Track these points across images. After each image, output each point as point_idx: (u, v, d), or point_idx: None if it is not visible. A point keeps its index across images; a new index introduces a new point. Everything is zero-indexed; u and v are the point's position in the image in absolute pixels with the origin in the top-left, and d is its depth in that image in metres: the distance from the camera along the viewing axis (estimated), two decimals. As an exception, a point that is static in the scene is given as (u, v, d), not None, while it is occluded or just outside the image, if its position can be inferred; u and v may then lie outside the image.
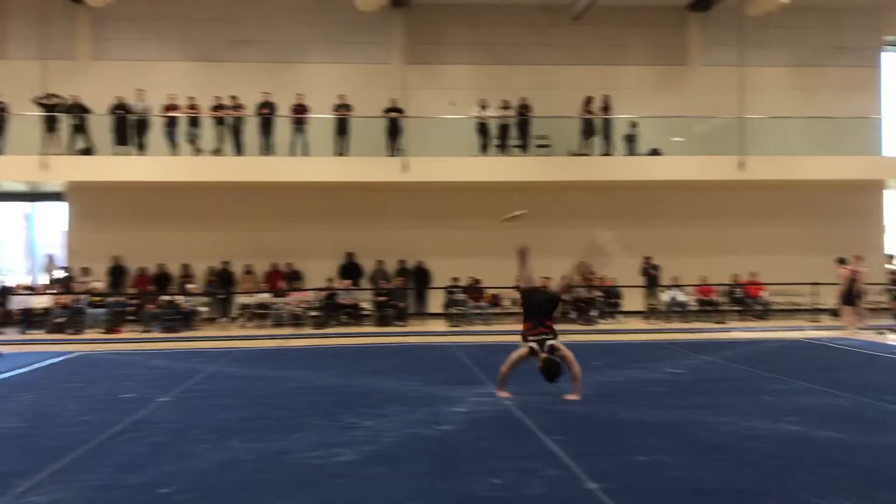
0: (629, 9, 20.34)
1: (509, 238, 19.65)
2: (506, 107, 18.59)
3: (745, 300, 18.69)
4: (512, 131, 18.81)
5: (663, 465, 5.52)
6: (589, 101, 18.85)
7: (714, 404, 7.76)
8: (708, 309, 18.49)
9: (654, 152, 19.33)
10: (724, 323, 17.73)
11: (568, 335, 15.16)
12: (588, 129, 18.93)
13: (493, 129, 18.76)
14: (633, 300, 18.51)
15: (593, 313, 17.74)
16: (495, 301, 18.33)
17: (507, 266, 18.65)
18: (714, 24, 20.68)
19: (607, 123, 18.99)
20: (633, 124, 19.31)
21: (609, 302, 18.25)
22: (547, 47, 20.23)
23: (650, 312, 18.48)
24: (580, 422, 7.00)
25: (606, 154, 18.97)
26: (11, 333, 16.34)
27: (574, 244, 19.64)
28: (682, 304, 18.36)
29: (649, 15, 20.59)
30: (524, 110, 18.70)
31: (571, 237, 19.35)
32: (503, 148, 18.80)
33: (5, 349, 12.91)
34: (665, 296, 18.53)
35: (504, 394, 8.22)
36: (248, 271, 18.79)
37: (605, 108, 18.89)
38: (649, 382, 9.30)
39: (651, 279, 18.49)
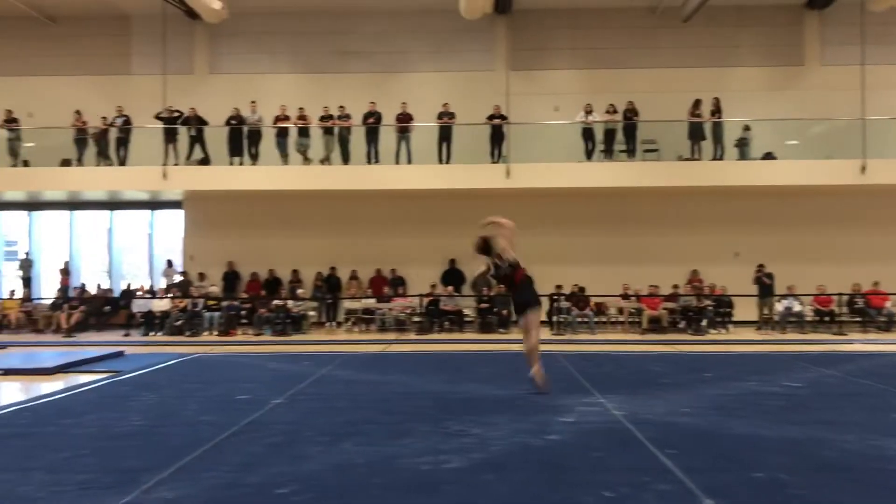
0: (742, 8, 19.70)
1: (616, 245, 19.52)
2: (612, 111, 18.29)
3: (868, 311, 17.71)
4: (618, 136, 18.49)
5: (783, 483, 5.27)
6: (697, 104, 18.32)
7: (836, 420, 7.36)
8: (826, 320, 17.62)
9: (768, 156, 18.58)
10: (843, 335, 16.85)
11: (676, 345, 14.79)
12: (697, 133, 18.40)
13: (599, 133, 18.49)
14: (745, 310, 17.84)
15: (703, 323, 17.21)
16: (600, 309, 18.03)
17: (613, 273, 18.52)
18: (833, 21, 19.78)
19: (718, 127, 18.40)
20: (746, 127, 18.63)
21: (720, 311, 17.64)
22: (654, 50, 19.84)
23: (763, 323, 17.76)
24: (693, 435, 6.77)
25: (717, 158, 18.37)
26: (134, 335, 17.23)
27: (683, 251, 19.36)
28: (798, 315, 17.57)
29: (764, 14, 19.88)
30: (631, 114, 18.35)
31: (681, 244, 19.10)
32: (609, 153, 18.50)
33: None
34: (780, 305, 17.76)
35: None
36: (354, 277, 19.17)
37: (716, 112, 18.31)
38: (765, 396, 8.90)
39: (764, 288, 17.75)
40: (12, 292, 19.57)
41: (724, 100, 18.45)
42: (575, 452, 6.12)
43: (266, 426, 7.14)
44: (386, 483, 5.26)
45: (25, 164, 18.90)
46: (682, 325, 17.43)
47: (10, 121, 18.87)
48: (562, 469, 5.62)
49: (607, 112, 18.34)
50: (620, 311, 18.18)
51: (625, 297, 17.98)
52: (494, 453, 6.07)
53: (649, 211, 19.31)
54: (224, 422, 7.29)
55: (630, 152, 18.50)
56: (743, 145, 18.59)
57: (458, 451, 6.12)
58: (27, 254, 20.81)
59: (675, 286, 18.15)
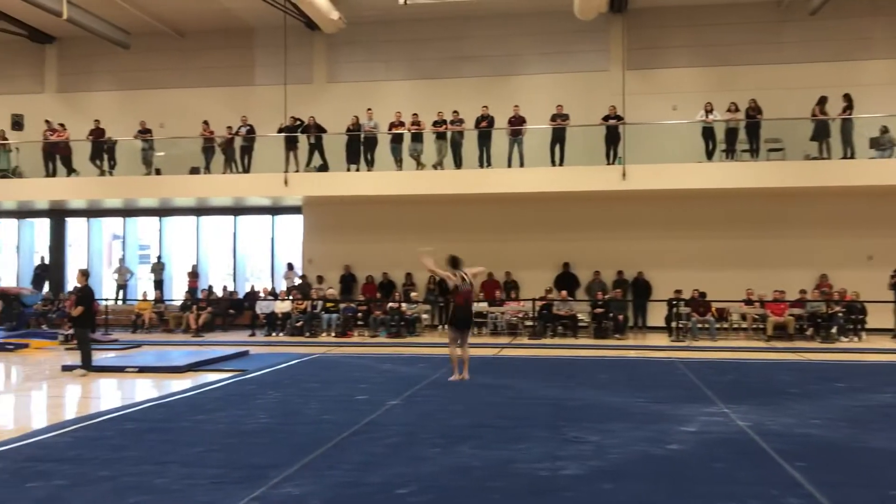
0: (875, -2, 18.60)
1: (738, 248, 18.84)
2: (733, 109, 17.63)
3: None
4: (740, 135, 17.80)
5: (929, 503, 4.94)
6: (823, 100, 17.39)
7: None
8: (972, 328, 16.39)
9: (906, 153, 17.43)
10: None
11: (804, 353, 14.10)
12: (823, 131, 17.46)
13: (720, 133, 17.85)
14: (880, 317, 16.80)
15: (833, 330, 16.34)
16: (722, 315, 17.40)
17: (735, 278, 17.88)
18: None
19: (847, 124, 17.39)
20: (885, 129, 17.46)
21: (851, 318, 16.68)
22: (779, 45, 18.98)
23: (901, 331, 16.69)
24: (824, 448, 6.45)
25: (848, 157, 17.37)
26: (258, 335, 17.93)
27: (811, 254, 18.45)
28: (940, 323, 16.40)
29: (900, 2, 18.67)
30: (754, 112, 17.62)
31: (808, 247, 18.24)
32: (731, 153, 17.84)
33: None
34: (918, 312, 16.64)
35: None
36: (466, 281, 19.25)
37: (848, 107, 17.30)
38: (904, 409, 8.37)
39: (901, 294, 16.67)
40: (145, 294, 20.76)
41: (856, 95, 17.42)
42: (697, 463, 5.94)
43: (384, 427, 7.28)
44: (504, 487, 5.25)
45: (157, 172, 20.00)
46: (809, 332, 16.61)
47: (144, 131, 20.01)
48: (683, 480, 5.46)
49: (728, 110, 17.67)
50: (743, 317, 17.49)
51: (748, 302, 17.29)
52: (612, 461, 5.96)
53: (774, 212, 18.50)
54: (344, 421, 7.48)
55: (753, 152, 17.77)
56: (879, 143, 17.47)
57: (576, 457, 6.05)
58: (159, 257, 22.00)
59: (803, 291, 17.29)
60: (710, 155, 17.82)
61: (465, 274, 10.18)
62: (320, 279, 19.86)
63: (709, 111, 17.69)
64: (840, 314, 16.58)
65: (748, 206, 18.50)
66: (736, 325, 17.61)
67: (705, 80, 19.12)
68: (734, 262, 18.43)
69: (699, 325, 16.84)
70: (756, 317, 17.18)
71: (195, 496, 5.01)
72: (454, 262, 10.30)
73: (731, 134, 17.76)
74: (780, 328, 16.77)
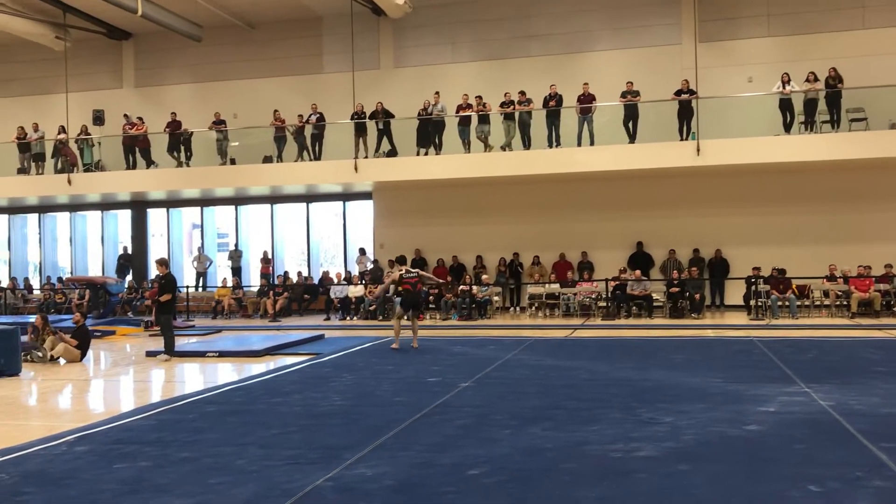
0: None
1: (819, 224, 18.22)
2: (812, 79, 16.96)
3: None
4: (820, 106, 17.11)
5: None
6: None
7: None
8: None
9: None
10: None
11: (892, 331, 13.54)
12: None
13: (798, 104, 17.21)
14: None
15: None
16: (803, 292, 16.85)
17: (816, 254, 17.31)
18: None
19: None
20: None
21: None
22: (860, 10, 18.12)
23: None
24: (914, 429, 6.19)
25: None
26: (332, 319, 18.24)
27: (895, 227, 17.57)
28: None
29: None
30: (834, 81, 16.92)
31: (892, 220, 17.40)
32: (810, 125, 17.19)
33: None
34: None
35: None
36: (536, 262, 19.17)
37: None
38: None
39: None
40: (224, 281, 21.34)
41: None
42: (776, 444, 5.78)
43: (456, 408, 7.32)
44: (576, 469, 5.22)
45: (232, 162, 20.49)
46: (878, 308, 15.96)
47: (218, 122, 20.50)
48: (762, 461, 5.32)
49: (807, 81, 17.01)
50: (826, 293, 16.89)
51: (831, 278, 16.69)
52: (688, 442, 5.86)
53: (857, 185, 17.77)
54: (416, 403, 7.56)
55: (834, 123, 17.08)
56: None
57: (650, 439, 5.97)
58: (236, 245, 22.57)
59: (889, 266, 16.58)
60: (787, 127, 17.22)
61: (409, 269, 12.77)
62: (391, 263, 20.03)
63: (786, 82, 17.07)
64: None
65: (829, 180, 17.83)
66: (818, 303, 17.04)
67: (782, 49, 18.44)
68: (815, 238, 17.81)
69: (779, 303, 16.35)
70: (839, 293, 16.58)
71: (272, 476, 5.14)
72: (401, 261, 13.52)
73: (810, 105, 17.10)
74: (865, 305, 16.15)
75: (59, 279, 22.85)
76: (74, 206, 23.54)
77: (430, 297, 18.40)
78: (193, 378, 10.56)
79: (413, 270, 12.69)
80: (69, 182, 20.59)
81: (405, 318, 12.18)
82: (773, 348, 11.29)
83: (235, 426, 6.79)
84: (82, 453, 5.91)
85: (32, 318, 12.84)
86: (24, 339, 11.98)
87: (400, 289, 12.70)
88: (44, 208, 23.83)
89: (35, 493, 4.90)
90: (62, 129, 21.22)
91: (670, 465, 5.28)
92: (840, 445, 5.71)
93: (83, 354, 11.88)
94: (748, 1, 18.84)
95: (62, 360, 11.65)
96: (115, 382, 10.42)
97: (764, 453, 5.53)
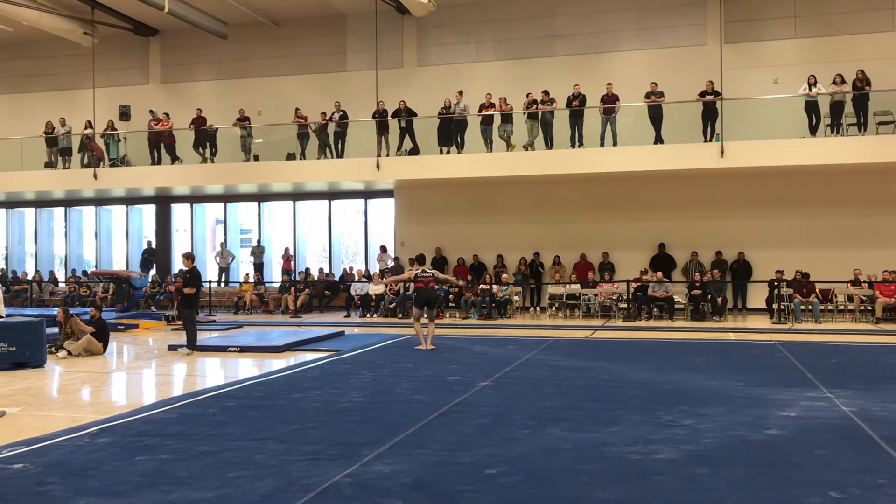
0: None
1: (844, 227, 18.06)
2: (839, 82, 16.77)
3: None
4: (847, 108, 16.93)
5: None
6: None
7: None
8: None
9: None
10: None
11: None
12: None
13: (825, 107, 17.04)
14: None
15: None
16: (826, 297, 16.68)
17: (841, 258, 17.14)
18: None
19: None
20: None
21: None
22: (889, 11, 17.92)
23: None
24: (938, 437, 6.11)
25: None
26: (353, 316, 18.31)
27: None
28: None
29: None
30: (861, 84, 16.72)
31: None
32: (836, 127, 17.01)
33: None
34: None
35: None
36: (556, 262, 19.13)
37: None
38: None
39: None
40: (247, 276, 21.48)
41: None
42: (798, 449, 5.74)
43: (474, 408, 7.33)
44: (594, 470, 5.21)
45: (256, 158, 20.62)
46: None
47: (242, 119, 20.64)
48: (782, 465, 5.29)
49: (834, 83, 16.84)
50: (850, 298, 16.71)
51: (856, 283, 16.50)
52: (708, 446, 5.82)
53: (883, 189, 17.57)
54: (435, 401, 7.57)
55: (861, 125, 16.88)
56: None
57: (669, 441, 5.94)
58: (258, 241, 22.73)
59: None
60: (813, 130, 17.04)
61: (425, 269, 12.76)
62: (412, 261, 20.04)
63: (812, 84, 16.91)
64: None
65: (855, 183, 17.63)
66: (842, 308, 16.87)
67: (808, 51, 18.27)
68: (840, 242, 17.64)
69: (802, 308, 16.20)
70: (864, 298, 16.40)
71: (291, 471, 5.17)
72: (420, 260, 13.36)
73: (837, 107, 16.93)
74: (890, 310, 15.95)
75: (84, 272, 23.13)
76: (100, 201, 23.80)
77: (451, 297, 18.42)
78: (214, 372, 10.64)
79: (429, 271, 12.88)
80: (95, 177, 20.85)
81: (423, 316, 12.32)
82: (796, 352, 11.19)
83: (255, 421, 6.85)
84: (104, 445, 5.99)
85: (55, 311, 12.98)
86: (52, 331, 12.16)
87: (413, 286, 13.01)
88: (70, 202, 24.11)
89: (58, 484, 4.97)
90: (89, 125, 21.48)
91: (689, 467, 5.25)
92: (862, 452, 5.65)
93: (105, 347, 12.02)
94: (775, 2, 18.68)
95: (83, 353, 11.76)
96: (137, 375, 10.54)
97: (784, 458, 5.49)
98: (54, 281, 23.36)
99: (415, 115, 19.30)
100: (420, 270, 12.62)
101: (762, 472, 5.16)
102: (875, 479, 4.93)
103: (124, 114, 21.65)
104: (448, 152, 18.97)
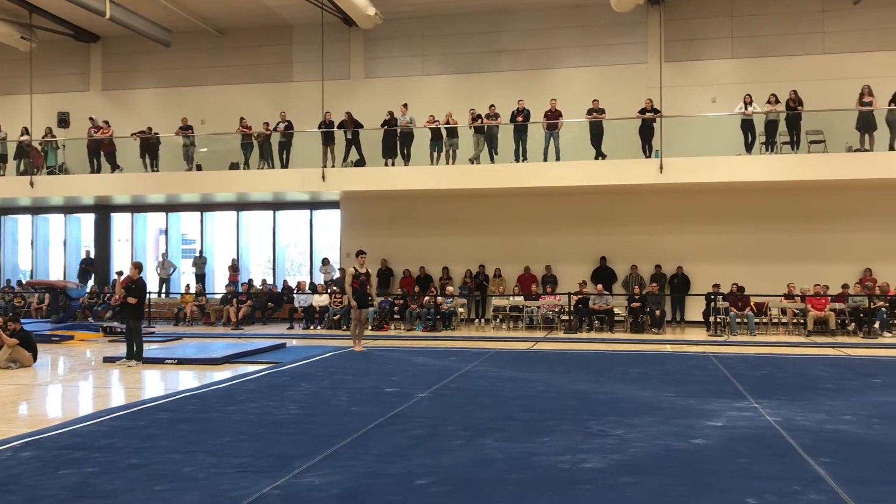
0: (924, -17, 18.10)
1: (778, 242, 18.57)
2: (774, 101, 17.33)
3: None
4: (781, 127, 17.49)
5: (957, 501, 4.84)
6: (866, 91, 16.98)
7: None
8: None
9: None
10: None
11: (844, 349, 13.84)
12: (868, 123, 17.05)
13: (760, 125, 17.58)
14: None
15: (876, 325, 16.00)
16: (761, 310, 17.16)
17: (775, 272, 17.65)
18: None
19: (893, 114, 16.94)
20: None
21: (894, 313, 16.33)
22: (820, 35, 18.61)
23: (947, 326, 16.27)
24: (853, 444, 6.35)
25: (892, 149, 16.94)
26: (297, 328, 18.17)
27: (854, 248, 18.11)
28: None
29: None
30: (794, 104, 17.30)
31: (851, 241, 17.92)
32: (771, 145, 17.55)
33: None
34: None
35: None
36: (497, 275, 19.31)
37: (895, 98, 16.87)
38: (943, 406, 8.18)
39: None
40: (188, 287, 21.17)
41: (901, 85, 17.01)
42: (720, 458, 5.90)
43: (411, 419, 7.36)
44: (522, 479, 5.29)
45: (199, 168, 20.37)
46: (851, 327, 16.30)
47: (185, 128, 20.38)
48: (704, 474, 5.44)
49: (768, 102, 17.39)
50: (783, 311, 17.22)
51: (789, 296, 17.00)
52: (634, 455, 5.95)
53: (816, 206, 18.17)
54: (372, 413, 7.58)
55: (794, 144, 17.46)
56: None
57: (598, 451, 6.06)
58: (200, 252, 22.41)
59: (845, 286, 16.95)
60: (749, 148, 17.57)
61: (360, 268, 13.55)
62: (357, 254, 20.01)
63: (748, 103, 17.43)
64: (883, 309, 16.23)
65: (789, 200, 18.21)
66: (776, 320, 17.35)
67: (745, 71, 18.85)
68: (774, 257, 18.17)
69: (737, 320, 16.63)
70: (796, 311, 16.90)
71: (219, 484, 5.13)
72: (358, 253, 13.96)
73: (772, 126, 17.48)
74: (820, 323, 16.48)
75: (19, 282, 22.52)
76: (37, 209, 23.23)
77: (396, 308, 18.43)
78: (149, 385, 10.46)
79: (362, 272, 13.57)
80: (31, 184, 20.34)
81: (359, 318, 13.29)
82: (728, 364, 11.49)
83: (187, 433, 6.77)
84: (27, 459, 5.85)
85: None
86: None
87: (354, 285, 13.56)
88: (5, 210, 23.48)
89: (-24, 499, 4.86)
90: (25, 131, 20.97)
91: (615, 476, 5.37)
92: (781, 460, 5.84)
93: (34, 357, 11.74)
94: (713, 23, 19.23)
95: (13, 365, 11.46)
96: (69, 388, 10.29)
97: (707, 466, 5.65)
98: (-13, 291, 22.68)
99: (361, 126, 19.32)
100: (358, 267, 13.50)
101: (684, 480, 5.30)
102: (791, 486, 5.10)
103: (63, 121, 21.19)
104: (393, 164, 19.01)
